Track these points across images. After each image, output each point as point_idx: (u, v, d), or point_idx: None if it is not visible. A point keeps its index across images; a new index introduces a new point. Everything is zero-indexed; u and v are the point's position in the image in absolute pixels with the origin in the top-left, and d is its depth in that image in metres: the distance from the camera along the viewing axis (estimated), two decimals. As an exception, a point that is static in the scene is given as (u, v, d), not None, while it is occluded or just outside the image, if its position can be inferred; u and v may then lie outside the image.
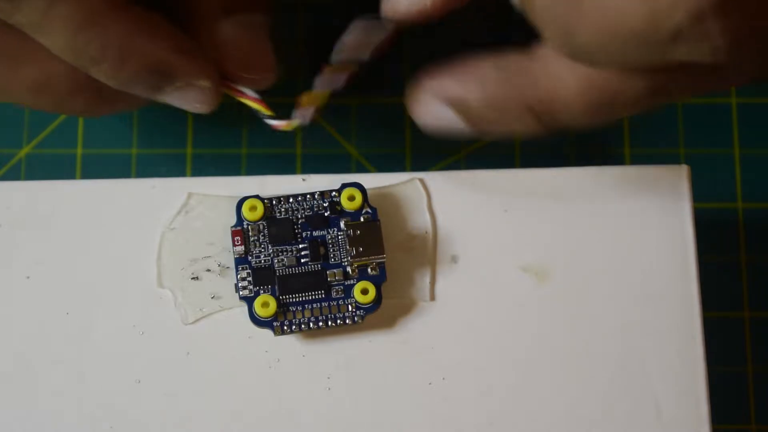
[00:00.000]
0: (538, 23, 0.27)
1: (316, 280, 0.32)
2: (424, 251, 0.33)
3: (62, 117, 0.43)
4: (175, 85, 0.32)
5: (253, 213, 0.32)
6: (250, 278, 0.32)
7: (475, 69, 0.30)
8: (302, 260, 0.32)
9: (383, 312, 0.32)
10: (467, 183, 0.33)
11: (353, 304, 0.32)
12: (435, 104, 0.30)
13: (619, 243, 0.33)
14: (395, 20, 0.30)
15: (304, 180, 0.33)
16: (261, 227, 0.32)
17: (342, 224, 0.32)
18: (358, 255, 0.31)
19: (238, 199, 0.32)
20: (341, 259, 0.32)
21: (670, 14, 0.24)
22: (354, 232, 0.32)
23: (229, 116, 0.43)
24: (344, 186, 0.32)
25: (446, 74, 0.30)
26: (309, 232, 0.32)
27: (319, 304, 0.32)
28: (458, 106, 0.30)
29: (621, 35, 0.25)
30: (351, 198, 0.32)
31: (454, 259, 0.33)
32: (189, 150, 0.42)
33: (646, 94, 0.28)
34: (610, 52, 0.26)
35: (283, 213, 0.32)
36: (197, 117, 0.42)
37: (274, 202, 0.32)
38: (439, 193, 0.33)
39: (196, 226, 0.33)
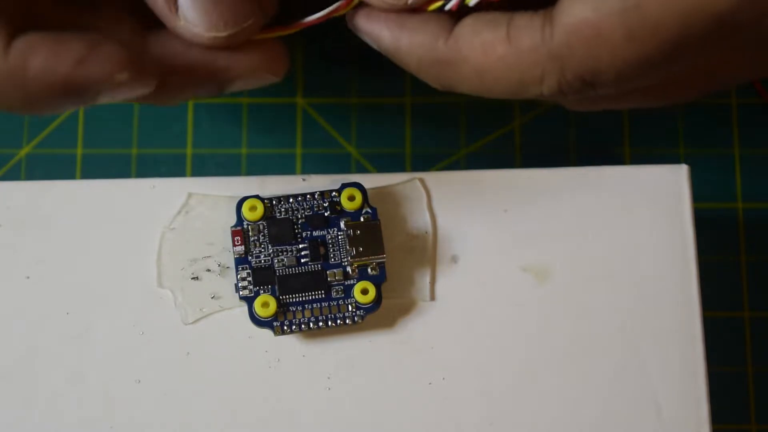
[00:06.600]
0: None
1: (316, 280, 0.32)
2: (424, 251, 0.33)
3: (62, 117, 0.43)
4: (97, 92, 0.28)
5: (253, 213, 0.32)
6: (250, 278, 0.32)
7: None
8: (302, 260, 0.32)
9: (383, 312, 0.32)
10: (467, 183, 0.33)
11: (353, 304, 0.32)
12: None
13: (619, 243, 0.33)
14: None
15: (304, 180, 0.33)
16: (261, 227, 0.32)
17: (342, 224, 0.32)
18: (358, 255, 0.31)
19: (238, 199, 0.32)
20: (341, 259, 0.32)
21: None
22: (354, 232, 0.32)
23: (229, 116, 0.43)
24: (344, 186, 0.32)
25: None
26: (309, 232, 0.32)
27: (319, 304, 0.32)
28: None
29: (495, 94, 0.30)
30: (351, 198, 0.32)
31: (454, 259, 0.33)
32: (189, 150, 0.42)
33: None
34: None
35: (283, 213, 0.32)
36: (197, 117, 0.42)
37: (274, 202, 0.32)
38: (439, 193, 0.33)
39: (196, 226, 0.33)
